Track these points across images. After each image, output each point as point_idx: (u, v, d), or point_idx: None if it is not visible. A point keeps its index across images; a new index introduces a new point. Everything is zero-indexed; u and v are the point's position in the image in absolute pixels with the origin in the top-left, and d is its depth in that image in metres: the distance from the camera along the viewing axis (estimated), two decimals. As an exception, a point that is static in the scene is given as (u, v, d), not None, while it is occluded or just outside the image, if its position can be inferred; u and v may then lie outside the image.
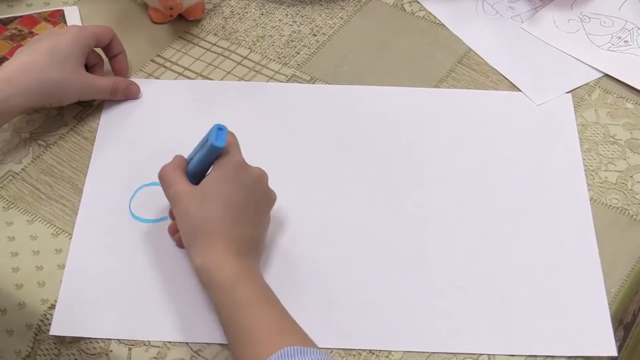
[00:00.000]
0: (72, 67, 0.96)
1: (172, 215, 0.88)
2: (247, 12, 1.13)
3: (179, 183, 0.85)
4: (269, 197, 0.87)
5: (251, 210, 0.84)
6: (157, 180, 0.94)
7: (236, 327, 0.77)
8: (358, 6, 1.13)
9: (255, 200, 0.85)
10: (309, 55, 1.08)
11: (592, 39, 1.09)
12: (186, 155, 0.88)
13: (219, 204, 0.82)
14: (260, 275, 0.82)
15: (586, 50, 1.08)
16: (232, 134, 0.85)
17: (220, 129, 0.83)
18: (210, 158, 0.84)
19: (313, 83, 1.05)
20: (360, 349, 0.83)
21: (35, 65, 0.94)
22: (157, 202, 0.93)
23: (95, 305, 0.86)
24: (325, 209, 0.93)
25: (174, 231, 0.88)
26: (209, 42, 1.09)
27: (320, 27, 1.11)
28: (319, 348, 0.76)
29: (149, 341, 0.83)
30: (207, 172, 0.85)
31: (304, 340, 0.77)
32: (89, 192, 0.94)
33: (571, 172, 0.96)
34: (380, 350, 0.83)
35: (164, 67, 1.06)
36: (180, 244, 0.87)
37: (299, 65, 1.06)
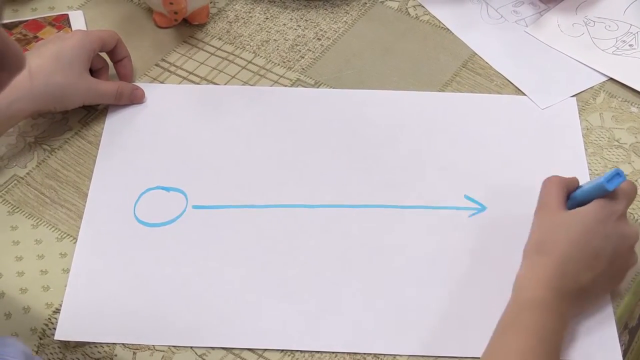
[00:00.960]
0: (77, 71, 0.96)
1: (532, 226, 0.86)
2: (251, 17, 1.13)
3: (553, 197, 0.85)
4: (629, 258, 0.85)
5: (600, 261, 0.81)
6: (162, 184, 0.95)
7: (495, 333, 0.78)
8: (362, 10, 1.13)
9: (612, 254, 0.82)
10: (314, 59, 1.08)
11: (596, 43, 1.09)
12: None
13: (572, 237, 0.81)
14: (563, 319, 0.80)
15: (591, 54, 1.08)
16: (633, 186, 0.85)
17: (618, 174, 0.82)
18: (595, 194, 0.84)
19: (317, 87, 1.05)
20: (365, 353, 0.83)
21: (41, 69, 0.94)
22: (161, 206, 0.93)
23: (100, 310, 0.86)
24: (329, 212, 0.93)
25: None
26: (213, 47, 1.09)
27: (325, 31, 1.11)
28: None
29: (153, 345, 0.83)
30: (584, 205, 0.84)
31: None
32: (93, 197, 0.94)
33: (576, 176, 0.95)
34: (385, 355, 0.83)
35: (169, 71, 1.07)
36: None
37: (303, 69, 1.06)
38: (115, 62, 1.04)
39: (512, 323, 0.79)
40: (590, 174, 0.96)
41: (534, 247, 0.83)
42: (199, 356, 0.83)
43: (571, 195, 0.86)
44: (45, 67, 0.94)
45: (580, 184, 0.87)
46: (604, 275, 0.82)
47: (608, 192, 0.82)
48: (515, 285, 0.82)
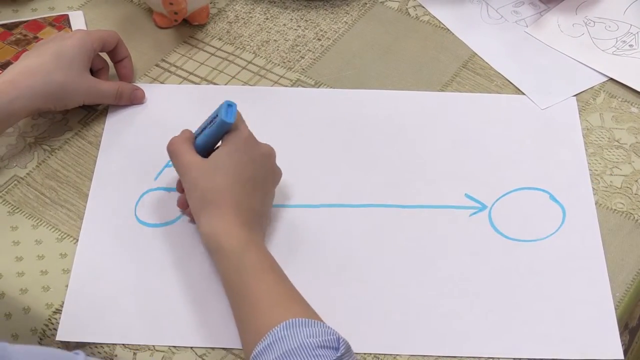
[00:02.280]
0: (78, 70, 0.96)
1: (180, 187, 0.90)
2: (251, 17, 1.13)
3: (189, 154, 0.87)
4: (276, 174, 0.90)
5: (259, 184, 0.87)
6: (162, 185, 0.95)
7: (243, 294, 0.80)
8: (363, 11, 1.13)
9: (264, 175, 0.87)
10: (314, 59, 1.08)
11: (596, 43, 1.09)
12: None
13: (229, 175, 0.84)
14: (265, 247, 0.85)
15: (591, 54, 1.08)
16: (239, 113, 0.87)
17: (229, 105, 0.85)
18: (220, 133, 0.87)
19: (318, 87, 1.05)
20: (365, 353, 0.83)
21: (41, 68, 0.94)
22: (162, 206, 0.93)
23: (101, 310, 0.86)
24: (330, 212, 0.93)
25: (184, 205, 0.90)
26: (213, 47, 1.09)
27: (325, 32, 1.11)
28: (323, 321, 0.77)
29: (153, 346, 0.83)
30: (214, 146, 0.88)
31: (309, 311, 0.79)
32: (94, 197, 0.94)
33: (576, 177, 0.96)
34: (385, 354, 0.83)
35: (169, 71, 1.07)
36: (191, 218, 0.90)
37: (303, 69, 1.07)
38: (115, 63, 1.04)
39: (236, 273, 0.81)
40: (590, 174, 0.96)
41: (199, 203, 0.85)
42: (199, 356, 0.83)
43: (196, 146, 0.88)
44: (46, 66, 0.94)
45: (197, 133, 0.90)
46: (265, 194, 0.88)
47: (230, 125, 0.86)
48: (209, 246, 0.84)
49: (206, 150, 0.88)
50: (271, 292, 0.80)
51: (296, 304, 0.79)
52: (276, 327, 0.74)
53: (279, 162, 0.94)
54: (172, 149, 0.89)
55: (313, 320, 0.75)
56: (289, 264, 0.89)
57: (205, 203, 0.84)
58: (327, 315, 0.85)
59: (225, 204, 0.83)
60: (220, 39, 1.10)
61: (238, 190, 0.84)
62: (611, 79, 1.05)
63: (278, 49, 1.09)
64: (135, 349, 0.83)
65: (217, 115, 0.86)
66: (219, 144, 0.88)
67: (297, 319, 0.75)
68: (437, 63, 1.07)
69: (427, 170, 0.97)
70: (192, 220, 0.90)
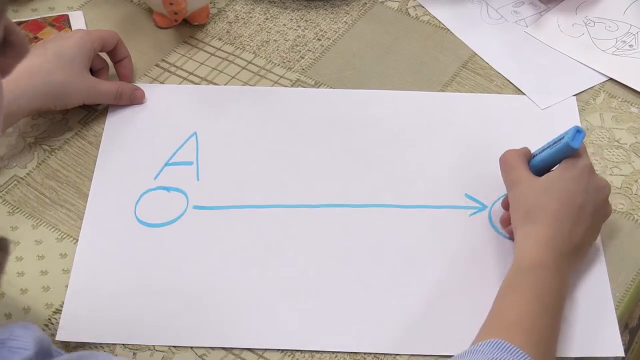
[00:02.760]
0: (78, 70, 0.96)
1: (505, 204, 0.90)
2: (251, 17, 1.13)
3: (521, 169, 0.87)
4: (606, 209, 0.88)
5: (585, 216, 0.84)
6: (162, 185, 0.95)
7: (496, 299, 0.80)
8: (362, 11, 1.13)
9: (593, 208, 0.85)
10: (314, 59, 1.08)
11: (596, 43, 1.09)
12: None
13: (558, 198, 0.83)
14: (566, 277, 0.83)
15: (591, 54, 1.08)
16: (584, 143, 0.86)
17: (578, 131, 0.84)
18: (560, 155, 0.86)
19: (317, 87, 1.05)
20: (365, 353, 0.83)
21: (41, 67, 0.94)
22: (162, 206, 0.93)
23: (101, 310, 0.86)
24: (329, 212, 0.93)
25: (506, 223, 0.90)
26: (213, 47, 1.09)
27: (325, 32, 1.11)
28: None
29: (153, 346, 0.83)
30: (550, 168, 0.87)
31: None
32: (94, 197, 0.94)
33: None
34: (385, 354, 0.83)
35: (169, 71, 1.07)
36: (511, 235, 0.89)
37: (303, 69, 1.06)
38: (115, 62, 1.04)
39: (512, 285, 0.81)
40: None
41: (522, 219, 0.85)
42: (199, 356, 0.83)
43: (533, 163, 0.88)
44: (46, 65, 0.94)
45: (535, 153, 0.89)
46: (590, 229, 0.85)
47: (574, 150, 0.85)
48: (514, 257, 0.83)
49: (541, 170, 0.87)
50: (524, 318, 0.78)
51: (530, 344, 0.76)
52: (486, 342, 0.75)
53: (279, 163, 0.94)
54: (505, 161, 0.89)
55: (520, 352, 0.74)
56: (289, 263, 0.89)
57: (527, 219, 0.84)
58: (327, 315, 0.85)
59: (545, 225, 0.83)
60: (220, 39, 1.10)
61: (563, 215, 0.83)
62: (611, 79, 1.05)
63: (278, 49, 1.09)
64: (135, 348, 0.83)
65: (561, 138, 0.85)
66: (555, 167, 0.87)
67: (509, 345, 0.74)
68: (437, 63, 1.07)
69: (427, 170, 0.97)
70: (511, 237, 0.90)
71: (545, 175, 0.86)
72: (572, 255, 0.83)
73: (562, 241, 0.83)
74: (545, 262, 0.81)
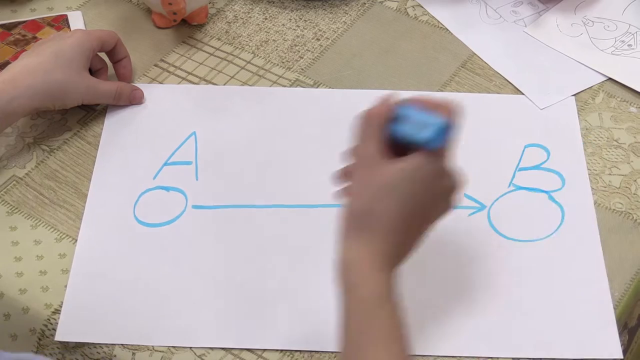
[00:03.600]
0: (77, 69, 0.96)
1: (349, 154, 0.77)
2: (250, 17, 1.13)
3: (372, 144, 0.73)
4: (447, 211, 0.77)
5: (425, 223, 0.75)
6: (161, 184, 0.95)
7: (350, 343, 0.70)
8: (361, 10, 1.13)
9: (436, 214, 0.76)
10: (313, 59, 1.08)
11: (595, 43, 1.09)
12: None
13: (401, 205, 0.72)
14: (401, 301, 0.72)
15: (590, 54, 1.08)
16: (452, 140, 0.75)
17: (448, 126, 0.73)
18: (419, 145, 0.73)
19: (317, 87, 1.05)
20: (364, 354, 0.83)
21: (40, 67, 0.94)
22: (161, 206, 0.93)
23: (100, 310, 0.86)
24: (329, 212, 0.93)
25: (344, 177, 0.77)
26: (212, 47, 1.09)
27: (324, 32, 1.11)
28: None
29: (152, 346, 0.83)
30: (406, 149, 0.74)
31: None
32: (93, 197, 0.94)
33: (575, 176, 0.96)
34: (384, 355, 0.83)
35: (168, 71, 1.07)
36: (345, 194, 0.76)
37: (302, 69, 1.06)
38: (114, 63, 1.04)
39: (361, 330, 0.70)
40: (589, 174, 0.96)
41: (355, 220, 0.72)
42: (199, 356, 0.83)
43: (391, 129, 0.75)
44: (45, 65, 0.94)
45: (399, 108, 0.75)
46: (425, 233, 0.76)
47: (435, 149, 0.73)
48: (344, 275, 0.71)
49: (395, 146, 0.74)
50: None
51: None
52: None
53: (278, 163, 0.94)
54: (361, 124, 0.75)
55: None
56: (288, 264, 0.89)
57: (361, 225, 0.72)
58: (326, 315, 0.85)
59: (378, 237, 0.71)
60: (219, 39, 1.10)
61: (401, 225, 0.72)
62: (610, 78, 1.05)
63: (277, 49, 1.09)
64: (135, 349, 0.83)
65: (428, 125, 0.73)
66: (408, 157, 0.74)
67: None
68: (436, 63, 1.07)
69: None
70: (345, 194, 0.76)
71: (394, 172, 0.72)
72: (401, 262, 0.74)
73: (395, 254, 0.73)
74: (381, 292, 0.71)
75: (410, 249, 0.75)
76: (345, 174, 0.78)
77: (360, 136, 0.75)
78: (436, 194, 0.75)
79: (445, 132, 0.73)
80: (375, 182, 0.73)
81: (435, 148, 0.73)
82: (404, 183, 0.72)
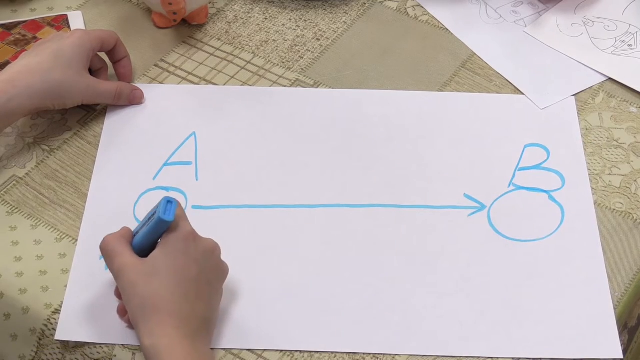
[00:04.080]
0: (76, 69, 0.96)
1: (118, 293, 0.82)
2: (250, 17, 1.13)
3: (124, 255, 0.80)
4: (222, 270, 0.83)
5: (203, 285, 0.80)
6: (161, 184, 0.95)
7: None
8: (361, 11, 1.13)
9: (208, 274, 0.81)
10: (313, 59, 1.08)
11: (595, 43, 1.09)
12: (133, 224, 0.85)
13: (169, 279, 0.78)
14: (208, 353, 0.79)
15: (590, 54, 1.08)
16: (180, 206, 0.81)
17: (169, 202, 0.79)
18: (159, 232, 0.80)
19: (317, 87, 1.05)
20: (364, 353, 0.83)
21: (39, 66, 0.94)
22: (161, 206, 0.93)
23: (100, 310, 0.85)
24: (329, 211, 0.93)
25: (123, 312, 0.83)
26: (212, 47, 1.09)
27: (324, 32, 1.11)
28: None
29: (153, 346, 0.83)
30: (154, 246, 0.81)
31: None
32: (93, 197, 0.94)
33: (575, 176, 0.96)
34: (384, 354, 0.83)
35: (168, 71, 1.07)
36: (130, 326, 0.82)
37: (302, 69, 1.06)
38: (114, 63, 1.04)
39: None
40: (589, 174, 0.96)
41: (139, 310, 0.77)
42: (199, 356, 0.83)
43: (134, 246, 0.81)
44: (44, 64, 0.94)
45: (136, 231, 0.82)
46: (212, 296, 0.81)
47: (169, 223, 0.79)
48: (151, 358, 0.76)
49: (145, 251, 0.80)
50: None
51: None
52: None
53: (278, 164, 0.94)
54: (105, 249, 0.81)
55: None
56: (288, 263, 0.89)
57: (145, 311, 0.77)
58: (326, 315, 0.85)
59: (167, 314, 0.76)
60: (219, 39, 1.10)
61: (180, 296, 0.77)
62: (610, 78, 1.05)
63: (277, 49, 1.09)
64: (135, 349, 0.83)
65: (155, 212, 0.79)
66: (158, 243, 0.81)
67: None
68: (436, 63, 1.07)
69: (426, 170, 0.97)
70: (131, 326, 0.82)
71: (150, 256, 0.79)
72: (203, 329, 0.79)
73: (189, 322, 0.77)
74: (188, 355, 0.75)
75: (203, 314, 0.79)
76: (121, 309, 0.83)
77: (109, 259, 0.81)
78: (198, 260, 0.80)
79: (169, 204, 0.79)
80: (141, 273, 0.78)
81: (168, 220, 0.78)
82: (163, 261, 0.78)
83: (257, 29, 1.11)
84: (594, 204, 0.94)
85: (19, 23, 1.11)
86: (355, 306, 0.86)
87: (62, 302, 0.86)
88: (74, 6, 1.14)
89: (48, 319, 0.85)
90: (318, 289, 0.87)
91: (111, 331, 0.84)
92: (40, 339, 0.86)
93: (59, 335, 0.84)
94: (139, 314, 0.77)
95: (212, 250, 0.82)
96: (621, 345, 0.83)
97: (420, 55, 1.08)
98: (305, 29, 1.11)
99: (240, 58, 1.08)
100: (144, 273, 0.78)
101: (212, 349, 0.83)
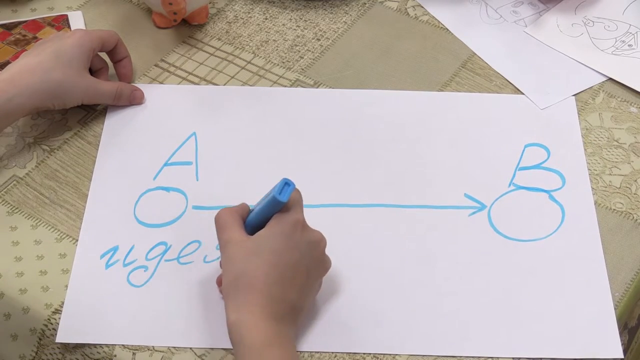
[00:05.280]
0: (77, 69, 0.96)
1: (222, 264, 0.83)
2: (250, 17, 1.13)
3: (232, 229, 0.81)
4: (324, 264, 0.83)
5: (300, 274, 0.79)
6: (161, 185, 0.95)
7: None
8: (362, 11, 1.13)
9: (308, 264, 0.80)
10: (313, 59, 1.08)
11: (596, 43, 1.09)
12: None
13: (268, 260, 0.78)
14: (293, 347, 0.78)
15: (590, 54, 1.08)
16: (298, 192, 0.82)
17: (287, 183, 0.79)
18: (271, 211, 0.80)
19: (317, 87, 1.05)
20: (364, 353, 0.83)
21: (40, 66, 0.94)
22: (161, 207, 0.93)
23: (100, 311, 0.86)
24: (329, 212, 0.93)
25: (220, 282, 0.84)
26: (212, 47, 1.09)
27: (324, 32, 1.11)
28: None
29: (153, 346, 0.83)
30: (263, 225, 0.81)
31: None
32: (93, 197, 0.94)
33: (575, 176, 0.96)
34: (384, 354, 0.83)
35: (168, 71, 1.07)
36: (221, 296, 0.84)
37: (302, 69, 1.07)
38: (115, 62, 1.04)
39: None
40: (589, 174, 0.96)
41: (232, 285, 0.78)
42: (199, 357, 0.83)
43: (246, 223, 0.82)
44: (45, 64, 0.94)
45: (253, 208, 0.83)
46: (307, 286, 0.81)
47: (282, 204, 0.79)
48: (232, 333, 0.76)
49: (256, 229, 0.81)
50: None
51: None
52: None
53: (278, 164, 0.94)
54: (218, 220, 0.82)
55: None
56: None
57: (237, 287, 0.78)
58: (326, 315, 0.85)
59: (257, 292, 0.77)
60: (219, 39, 1.10)
61: (274, 277, 0.78)
62: (610, 78, 1.05)
63: (277, 49, 1.09)
64: (135, 349, 0.83)
65: (271, 192, 0.80)
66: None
67: None
68: (436, 63, 1.07)
69: (426, 170, 0.97)
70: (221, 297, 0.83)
71: (256, 234, 0.80)
72: (290, 315, 0.79)
73: (278, 305, 0.77)
74: (269, 338, 0.75)
75: (293, 300, 0.79)
76: (220, 280, 0.84)
77: (219, 232, 0.82)
78: (301, 247, 0.80)
79: (286, 186, 0.80)
80: (243, 250, 0.79)
81: (282, 201, 0.79)
82: (266, 241, 0.79)
83: (257, 29, 1.11)
84: (594, 204, 0.94)
85: (19, 23, 1.11)
86: (356, 305, 0.86)
87: (62, 302, 0.86)
88: (74, 6, 1.14)
89: (48, 319, 0.85)
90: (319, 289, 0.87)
91: (112, 331, 0.84)
92: (40, 339, 0.86)
93: (60, 337, 0.84)
94: (231, 288, 0.78)
95: (317, 242, 0.82)
96: (621, 345, 0.83)
97: (420, 55, 1.08)
98: (306, 29, 1.11)
99: (240, 58, 1.08)
100: (246, 250, 0.79)
101: (212, 348, 0.83)
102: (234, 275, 0.79)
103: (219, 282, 0.84)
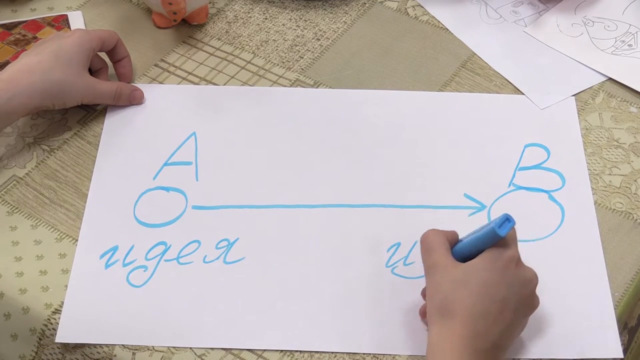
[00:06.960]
0: (76, 69, 0.96)
1: (424, 293, 0.83)
2: (250, 17, 1.13)
3: (439, 253, 0.79)
4: (532, 303, 0.81)
5: (507, 310, 0.77)
6: (161, 184, 0.95)
7: None
8: (362, 10, 1.13)
9: (516, 302, 0.78)
10: (313, 59, 1.08)
11: (595, 43, 1.09)
12: None
13: (475, 291, 0.76)
14: None
15: (590, 54, 1.08)
16: (514, 231, 0.80)
17: (508, 219, 0.78)
18: (486, 243, 0.79)
19: (317, 87, 1.05)
20: (365, 353, 0.83)
21: (39, 65, 0.94)
22: (161, 207, 0.93)
23: (100, 310, 0.86)
24: (329, 212, 0.93)
25: (424, 314, 0.83)
26: (212, 47, 1.09)
27: (324, 32, 1.11)
28: None
29: (152, 346, 0.83)
30: (473, 256, 0.79)
31: None
32: (93, 197, 0.94)
33: (575, 176, 0.96)
34: (384, 354, 0.83)
35: (168, 71, 1.07)
36: (425, 320, 0.82)
37: (302, 69, 1.07)
38: (114, 62, 1.04)
39: None
40: (589, 174, 0.96)
41: (438, 309, 0.77)
42: (198, 356, 0.83)
43: (454, 249, 0.81)
44: (44, 64, 0.94)
45: (462, 238, 0.82)
46: (512, 325, 0.79)
47: (500, 238, 0.78)
48: (429, 355, 0.76)
49: (465, 258, 0.80)
50: None
51: None
52: None
53: (278, 163, 0.94)
54: (425, 241, 0.81)
55: None
56: (288, 263, 0.89)
57: (442, 312, 0.76)
58: (326, 315, 0.85)
59: (460, 323, 0.75)
60: (219, 39, 1.10)
61: (480, 310, 0.76)
62: (610, 78, 1.05)
63: (277, 49, 1.09)
64: (135, 349, 0.83)
65: (489, 224, 0.79)
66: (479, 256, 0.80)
67: None
68: (436, 63, 1.07)
69: (426, 170, 0.97)
70: (426, 320, 0.81)
71: (466, 263, 0.78)
72: (491, 352, 0.76)
73: (480, 340, 0.75)
74: None
75: (495, 339, 0.77)
76: (422, 311, 0.84)
77: (425, 253, 0.81)
78: (512, 284, 0.78)
79: (507, 222, 0.78)
80: (451, 276, 0.78)
81: (500, 235, 0.77)
82: (477, 272, 0.77)
83: (257, 28, 1.11)
84: (594, 203, 0.94)
85: (19, 23, 1.11)
86: (356, 306, 0.86)
87: (62, 302, 0.86)
88: (74, 6, 1.14)
89: (48, 319, 0.85)
90: (318, 289, 0.87)
91: (111, 331, 0.84)
92: (40, 339, 0.86)
93: (60, 337, 0.84)
94: (435, 312, 0.77)
95: (529, 280, 0.80)
96: (621, 345, 0.83)
97: (420, 55, 1.08)
98: (305, 28, 1.11)
99: (240, 58, 1.08)
100: (454, 277, 0.78)
101: (212, 348, 0.83)
102: (441, 300, 0.77)
103: (422, 312, 0.83)
